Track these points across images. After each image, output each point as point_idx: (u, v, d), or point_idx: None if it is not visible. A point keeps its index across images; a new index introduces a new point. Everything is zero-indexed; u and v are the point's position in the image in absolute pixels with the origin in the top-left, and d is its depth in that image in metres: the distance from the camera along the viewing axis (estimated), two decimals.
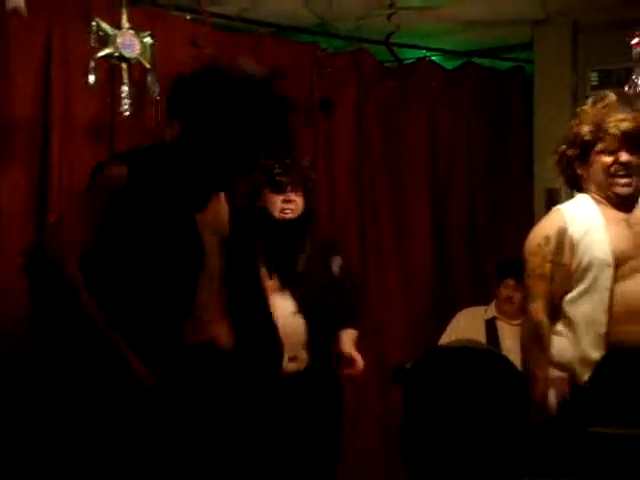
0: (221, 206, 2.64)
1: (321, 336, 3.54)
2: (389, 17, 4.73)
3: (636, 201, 3.10)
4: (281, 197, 3.44)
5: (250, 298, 2.68)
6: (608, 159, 3.01)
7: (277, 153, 2.67)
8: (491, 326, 4.71)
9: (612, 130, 2.97)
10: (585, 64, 5.27)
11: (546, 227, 3.11)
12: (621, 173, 3.02)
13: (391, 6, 4.67)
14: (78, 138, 4.20)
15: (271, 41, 4.94)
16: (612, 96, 3.08)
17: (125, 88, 3.72)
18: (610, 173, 3.03)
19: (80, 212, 2.56)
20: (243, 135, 2.40)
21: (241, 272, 2.65)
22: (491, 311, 4.85)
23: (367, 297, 4.26)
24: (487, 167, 5.55)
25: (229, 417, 2.58)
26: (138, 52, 3.63)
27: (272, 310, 2.79)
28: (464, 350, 3.05)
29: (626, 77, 4.88)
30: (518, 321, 4.62)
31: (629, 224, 3.06)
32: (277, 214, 3.45)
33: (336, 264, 3.60)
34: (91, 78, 3.68)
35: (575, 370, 3.01)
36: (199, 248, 2.53)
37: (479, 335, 4.54)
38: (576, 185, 3.16)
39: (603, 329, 2.97)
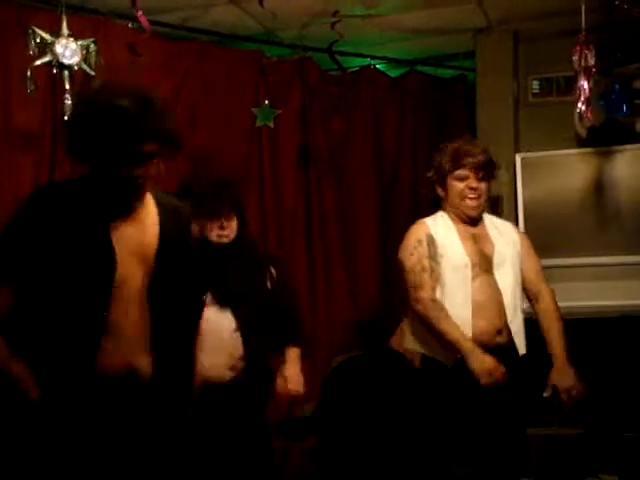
0: (147, 228, 2.56)
1: (258, 352, 3.64)
2: (333, 25, 4.75)
3: (481, 219, 3.73)
4: (216, 224, 3.54)
5: (176, 326, 2.56)
6: (461, 185, 3.62)
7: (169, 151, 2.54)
8: None
9: (465, 162, 3.61)
10: (526, 72, 5.35)
11: (418, 232, 3.68)
12: (471, 196, 3.62)
13: (335, 14, 4.69)
14: (18, 147, 4.14)
15: (215, 49, 4.94)
16: (466, 137, 3.86)
17: (67, 96, 3.66)
18: (462, 196, 3.62)
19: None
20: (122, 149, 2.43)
21: (171, 297, 2.54)
22: None
23: (301, 309, 4.10)
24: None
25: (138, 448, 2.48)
26: (79, 59, 3.59)
27: (208, 330, 2.97)
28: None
29: (566, 85, 4.99)
30: None
31: (475, 239, 3.67)
32: (214, 239, 3.55)
33: (270, 278, 3.70)
34: (30, 87, 3.63)
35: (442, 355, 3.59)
36: (110, 265, 2.44)
37: None
38: (437, 204, 3.75)
39: (469, 320, 3.57)
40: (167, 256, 2.55)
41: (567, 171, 5.10)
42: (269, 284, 3.70)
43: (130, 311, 2.46)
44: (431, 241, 3.60)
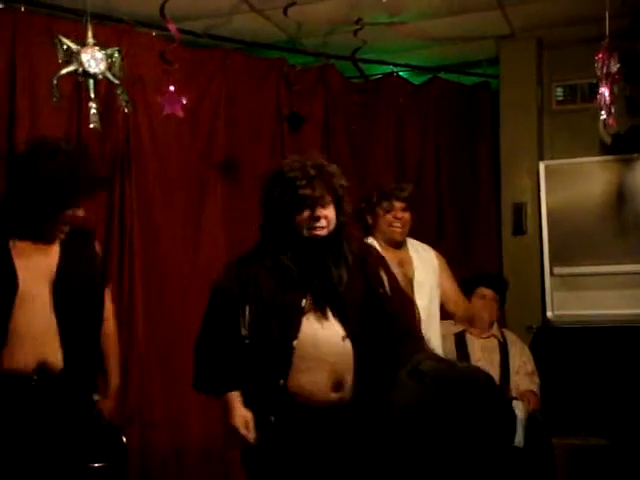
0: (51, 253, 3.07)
1: (369, 364, 3.00)
2: (356, 33, 4.75)
3: (405, 244, 4.20)
4: (308, 213, 2.96)
5: (83, 324, 3.10)
6: (388, 215, 4.13)
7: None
8: (461, 339, 4.73)
9: (391, 195, 4.15)
10: (550, 79, 5.34)
11: None
12: (396, 224, 4.12)
13: (358, 22, 4.69)
14: None
15: (238, 57, 4.95)
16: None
17: (92, 104, 3.68)
18: (388, 224, 4.13)
19: None
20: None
21: (76, 300, 3.07)
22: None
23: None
24: (454, 181, 5.58)
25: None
26: (104, 68, 3.61)
27: (308, 343, 2.90)
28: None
29: (590, 92, 4.96)
30: (487, 334, 4.67)
31: (401, 264, 4.01)
32: (305, 232, 2.96)
33: (376, 278, 3.10)
34: (56, 95, 3.65)
35: None
36: (10, 275, 2.95)
37: (449, 347, 4.56)
38: (367, 231, 4.19)
39: None
40: (66, 273, 3.07)
41: (591, 179, 5.08)
42: (376, 285, 3.09)
43: (36, 318, 2.98)
44: None
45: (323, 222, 2.95)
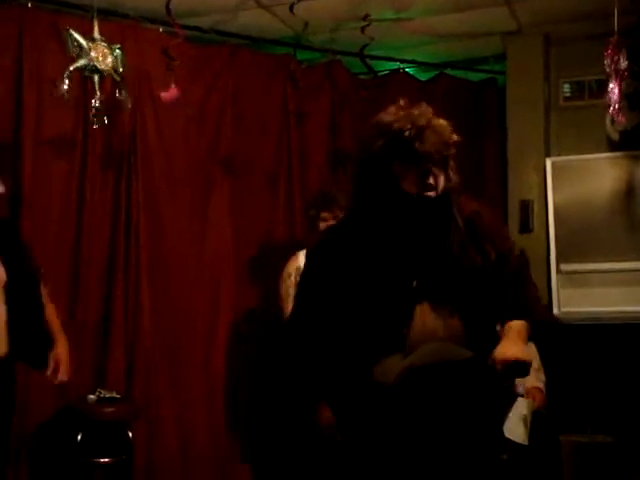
0: None
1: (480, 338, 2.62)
2: (363, 29, 4.74)
3: None
4: (420, 171, 2.53)
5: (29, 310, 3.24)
6: (324, 224, 4.07)
7: None
8: None
9: (331, 204, 4.16)
10: (557, 75, 5.31)
11: (289, 266, 4.35)
12: None
13: (365, 18, 4.68)
14: (50, 151, 4.19)
15: (246, 53, 4.95)
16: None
17: (97, 100, 3.69)
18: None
19: None
20: None
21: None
22: None
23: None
24: (461, 178, 5.55)
25: None
26: (110, 64, 3.62)
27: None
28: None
29: (597, 88, 4.94)
30: None
31: None
32: (415, 192, 2.53)
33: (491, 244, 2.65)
34: (65, 89, 3.66)
35: None
36: None
37: None
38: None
39: None
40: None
41: (598, 175, 5.06)
42: (491, 249, 2.62)
43: None
44: (299, 274, 3.96)
45: (435, 181, 2.52)
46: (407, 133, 2.49)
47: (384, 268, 2.48)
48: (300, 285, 2.68)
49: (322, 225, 4.23)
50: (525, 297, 2.60)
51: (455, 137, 2.58)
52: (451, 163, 2.59)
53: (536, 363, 4.62)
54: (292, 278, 4.31)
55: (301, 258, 4.32)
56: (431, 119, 2.56)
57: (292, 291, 4.14)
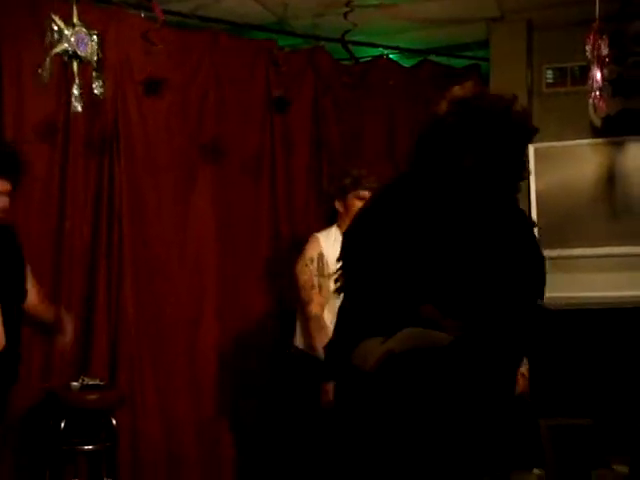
0: None
1: None
2: (346, 15, 4.73)
3: None
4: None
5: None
6: (360, 203, 3.86)
7: None
8: None
9: (367, 183, 4.07)
10: (540, 62, 5.31)
11: (310, 250, 4.25)
12: None
13: (348, 4, 4.67)
14: (31, 138, 4.16)
15: (227, 39, 4.93)
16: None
17: (76, 86, 3.66)
18: None
19: None
20: None
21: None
22: None
23: None
24: None
25: None
26: (89, 50, 3.59)
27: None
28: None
29: (580, 75, 4.95)
30: None
31: None
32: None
33: None
34: (46, 75, 3.62)
35: None
36: None
37: None
38: (331, 218, 4.22)
39: None
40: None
41: (581, 161, 5.07)
42: None
43: None
44: (321, 258, 4.10)
45: None
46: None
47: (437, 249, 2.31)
48: (351, 266, 2.48)
49: (358, 204, 3.98)
50: None
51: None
52: None
53: None
54: (314, 264, 4.26)
55: (322, 241, 4.29)
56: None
57: (316, 279, 4.19)
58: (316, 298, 4.21)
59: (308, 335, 4.25)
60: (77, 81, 3.54)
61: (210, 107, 4.82)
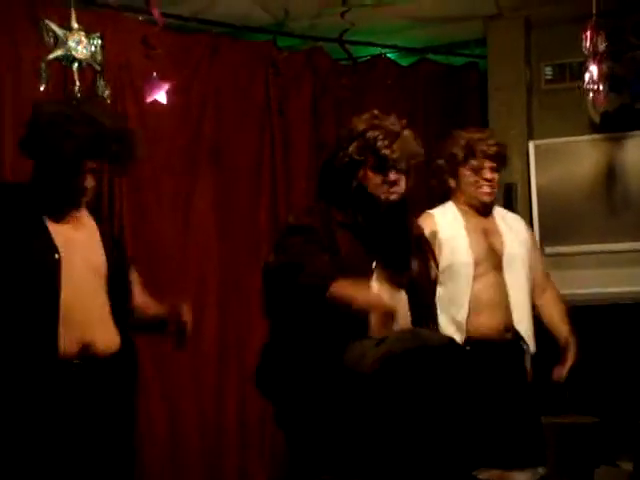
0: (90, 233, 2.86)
1: None
2: (343, 15, 4.73)
3: (491, 211, 3.74)
4: (388, 176, 2.80)
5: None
6: (475, 175, 3.61)
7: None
8: None
9: (481, 152, 3.61)
10: (538, 59, 5.31)
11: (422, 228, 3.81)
12: (485, 186, 3.62)
13: (345, 4, 4.67)
14: None
15: (226, 41, 4.94)
16: (477, 128, 3.92)
17: (76, 90, 3.67)
18: (477, 186, 3.62)
19: None
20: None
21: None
22: None
23: None
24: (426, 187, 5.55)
25: None
26: (89, 53, 3.59)
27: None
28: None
29: (579, 71, 4.95)
30: None
31: (485, 234, 3.66)
32: (381, 195, 2.80)
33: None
34: (43, 81, 3.64)
35: None
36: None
37: None
38: (444, 194, 3.75)
39: (463, 318, 3.52)
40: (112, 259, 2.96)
41: (581, 158, 5.08)
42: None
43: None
44: (433, 237, 3.58)
45: (398, 188, 2.78)
46: (380, 142, 2.77)
47: (353, 251, 2.73)
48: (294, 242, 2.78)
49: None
50: None
51: (420, 149, 2.85)
52: (413, 174, 2.83)
53: None
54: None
55: (437, 217, 3.76)
56: (402, 129, 2.83)
57: None
58: None
59: None
60: (78, 84, 3.55)
61: (210, 109, 4.82)
